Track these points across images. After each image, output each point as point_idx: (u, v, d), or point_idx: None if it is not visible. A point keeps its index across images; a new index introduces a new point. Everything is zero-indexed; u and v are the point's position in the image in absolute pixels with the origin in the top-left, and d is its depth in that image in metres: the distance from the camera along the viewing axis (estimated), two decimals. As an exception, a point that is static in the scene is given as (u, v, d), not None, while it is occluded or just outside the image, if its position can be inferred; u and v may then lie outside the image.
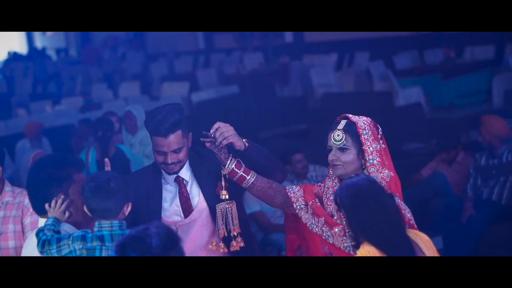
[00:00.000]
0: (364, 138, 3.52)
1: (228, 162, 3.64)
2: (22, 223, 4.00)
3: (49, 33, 29.68)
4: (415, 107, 10.87)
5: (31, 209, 3.81)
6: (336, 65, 16.15)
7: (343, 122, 3.56)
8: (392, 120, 9.82)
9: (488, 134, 6.86)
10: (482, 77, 12.92)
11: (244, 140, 3.67)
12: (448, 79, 12.89)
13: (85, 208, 3.38)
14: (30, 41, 29.75)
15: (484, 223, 6.72)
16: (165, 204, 3.89)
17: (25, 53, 26.17)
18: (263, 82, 14.96)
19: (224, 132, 3.59)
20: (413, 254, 3.15)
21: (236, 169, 3.65)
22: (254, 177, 3.68)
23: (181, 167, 3.84)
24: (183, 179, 3.87)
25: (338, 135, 3.53)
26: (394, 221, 3.18)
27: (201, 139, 3.61)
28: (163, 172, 3.89)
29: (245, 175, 3.67)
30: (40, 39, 30.00)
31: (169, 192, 3.91)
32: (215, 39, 21.37)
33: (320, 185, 3.76)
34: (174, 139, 3.71)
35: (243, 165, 3.67)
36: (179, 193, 3.88)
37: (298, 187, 3.77)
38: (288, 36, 18.81)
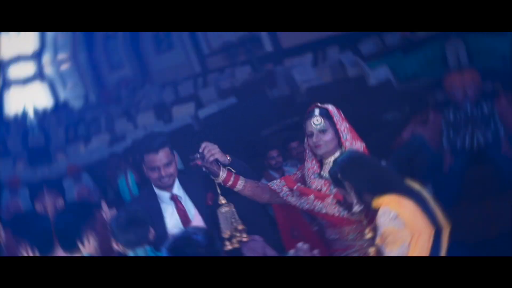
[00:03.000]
0: (336, 119, 3.66)
1: (221, 172, 3.75)
2: None
3: (69, 86, 29.62)
4: (386, 83, 10.86)
5: None
6: (313, 62, 16.11)
7: (317, 110, 3.71)
8: (368, 98, 9.82)
9: (452, 88, 6.80)
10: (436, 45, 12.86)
11: (227, 155, 3.78)
12: (408, 54, 12.85)
13: (114, 245, 3.35)
14: (54, 93, 29.65)
15: (462, 167, 6.72)
16: (165, 220, 3.95)
17: (53, 107, 26.10)
18: (255, 89, 14.93)
19: (210, 149, 3.72)
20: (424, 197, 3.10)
21: (228, 177, 3.78)
22: (245, 180, 3.81)
23: (173, 181, 3.94)
24: (177, 195, 3.93)
25: (317, 120, 3.65)
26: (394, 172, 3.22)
27: (192, 163, 3.76)
28: (157, 193, 3.95)
29: (237, 180, 3.79)
30: (62, 92, 29.92)
31: (166, 211, 3.97)
32: (208, 61, 21.35)
33: (296, 173, 3.88)
34: (163, 154, 3.85)
35: (233, 172, 3.80)
36: (176, 209, 3.95)
37: (278, 180, 3.88)
38: (267, 45, 18.75)
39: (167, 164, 3.86)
